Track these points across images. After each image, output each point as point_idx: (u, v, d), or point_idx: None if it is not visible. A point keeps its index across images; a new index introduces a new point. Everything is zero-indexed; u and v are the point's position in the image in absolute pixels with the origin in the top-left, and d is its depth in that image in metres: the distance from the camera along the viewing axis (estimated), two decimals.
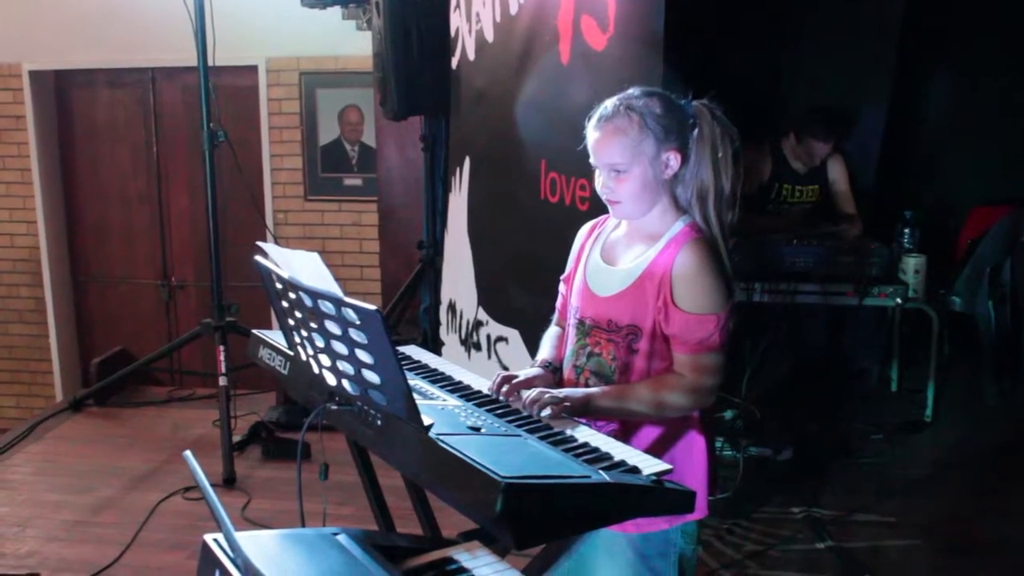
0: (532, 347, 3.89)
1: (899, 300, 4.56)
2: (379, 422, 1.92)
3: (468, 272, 4.64)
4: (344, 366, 1.92)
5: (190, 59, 4.77)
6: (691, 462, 2.25)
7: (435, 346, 5.28)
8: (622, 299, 2.22)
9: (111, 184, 7.40)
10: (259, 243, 2.11)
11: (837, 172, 5.10)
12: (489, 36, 4.26)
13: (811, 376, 5.11)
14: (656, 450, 2.20)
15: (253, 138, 6.90)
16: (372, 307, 1.73)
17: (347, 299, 1.78)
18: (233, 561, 1.55)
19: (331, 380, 2.01)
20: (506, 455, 1.78)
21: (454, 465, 1.70)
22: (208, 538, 1.65)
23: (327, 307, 1.85)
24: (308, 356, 2.08)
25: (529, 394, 2.12)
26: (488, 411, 2.10)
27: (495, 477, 1.60)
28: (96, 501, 4.33)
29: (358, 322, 1.78)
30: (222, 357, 4.74)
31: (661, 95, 2.22)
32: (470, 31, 4.49)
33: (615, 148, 2.17)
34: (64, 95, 7.37)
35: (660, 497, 1.82)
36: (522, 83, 3.94)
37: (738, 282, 2.26)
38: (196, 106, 4.80)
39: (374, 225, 6.78)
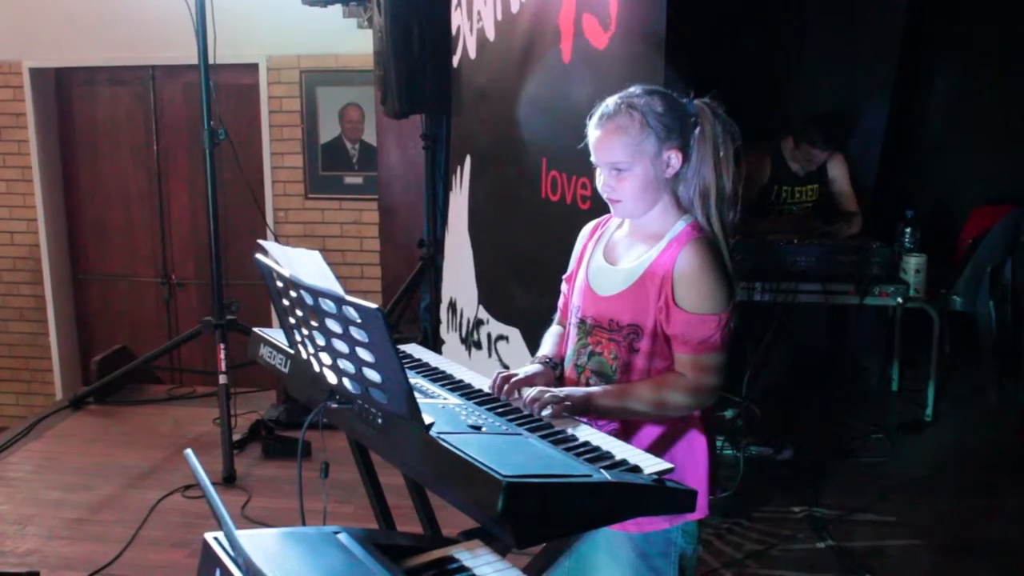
0: (533, 346, 3.89)
1: (900, 299, 4.55)
2: (380, 421, 1.92)
3: (469, 270, 4.63)
4: (345, 364, 1.92)
5: (191, 57, 4.77)
6: (692, 462, 2.24)
7: (436, 344, 5.28)
8: (623, 298, 2.21)
9: (111, 182, 7.42)
10: (260, 241, 2.11)
11: (837, 170, 5.09)
12: (490, 34, 4.26)
13: (812, 375, 5.11)
14: (657, 449, 2.20)
15: (254, 136, 6.91)
16: (373, 305, 1.73)
17: (348, 297, 1.78)
18: (234, 560, 1.55)
19: (332, 378, 2.01)
20: (507, 454, 1.77)
21: (455, 464, 1.70)
22: (209, 536, 1.64)
23: (328, 305, 1.84)
24: (309, 354, 2.08)
25: (530, 393, 2.12)
26: (489, 410, 2.09)
27: (496, 476, 1.60)
28: (96, 499, 4.33)
29: (359, 320, 1.78)
30: (222, 355, 4.73)
31: (663, 93, 2.21)
32: (471, 29, 4.49)
33: (616, 147, 2.16)
34: (64, 93, 7.39)
35: (661, 496, 1.81)
36: (523, 82, 3.93)
37: (739, 281, 2.25)
38: (197, 104, 4.79)
39: (375, 223, 6.79)
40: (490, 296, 4.43)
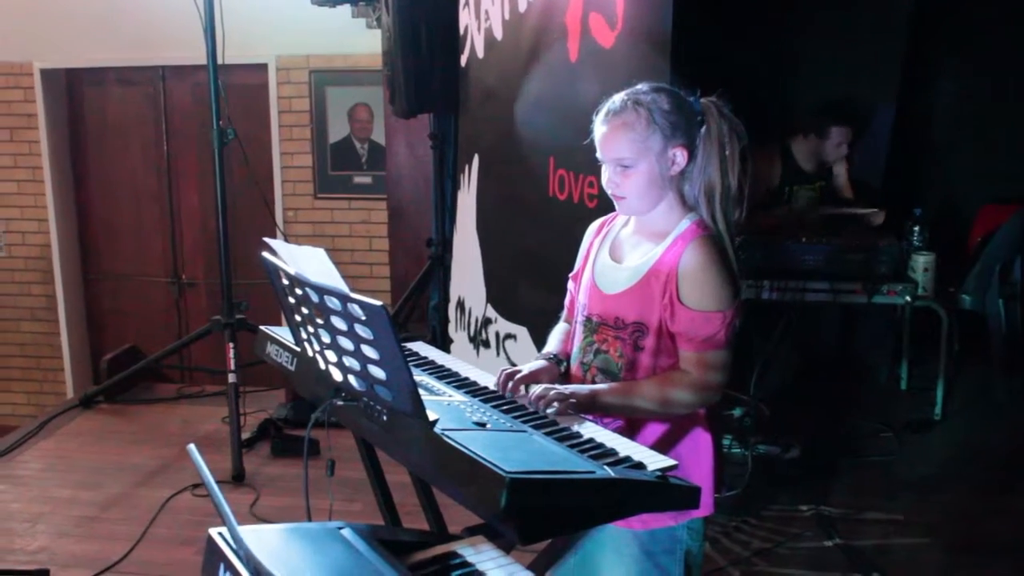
0: (541, 344, 3.85)
1: (908, 298, 4.54)
2: (385, 418, 1.93)
3: (477, 269, 4.64)
4: (350, 362, 1.93)
5: (200, 57, 4.78)
6: (697, 459, 2.25)
7: (444, 343, 5.28)
8: (628, 296, 2.22)
9: (122, 182, 7.42)
10: (265, 239, 2.12)
11: (841, 167, 5.14)
12: (498, 34, 4.26)
13: (820, 374, 5.10)
14: (662, 447, 2.21)
15: (263, 136, 6.91)
16: (378, 303, 1.73)
17: (353, 295, 1.78)
18: (237, 555, 1.56)
19: (337, 376, 2.01)
20: (511, 450, 1.78)
21: (459, 460, 1.71)
22: (213, 532, 1.65)
23: (333, 303, 1.85)
24: (314, 352, 2.09)
25: (535, 390, 2.12)
26: (494, 407, 2.10)
27: (500, 472, 1.60)
28: (106, 497, 4.35)
29: (364, 318, 1.78)
30: (231, 354, 4.75)
31: (669, 91, 2.22)
32: (479, 29, 4.49)
33: (622, 143, 2.17)
34: (75, 93, 7.39)
35: (665, 493, 1.82)
36: (530, 80, 3.94)
37: (746, 280, 2.26)
38: (206, 104, 4.81)
39: (383, 223, 6.78)
40: (498, 295, 4.44)
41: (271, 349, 2.49)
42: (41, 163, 7.24)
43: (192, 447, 1.63)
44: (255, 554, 1.50)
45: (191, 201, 7.32)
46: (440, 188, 5.82)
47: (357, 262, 6.91)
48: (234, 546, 1.57)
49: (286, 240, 6.16)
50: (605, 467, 1.77)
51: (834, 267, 4.54)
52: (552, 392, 2.10)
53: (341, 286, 1.86)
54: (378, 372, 1.85)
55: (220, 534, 1.65)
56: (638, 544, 2.28)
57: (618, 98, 2.21)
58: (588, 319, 2.33)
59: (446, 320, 5.36)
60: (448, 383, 2.27)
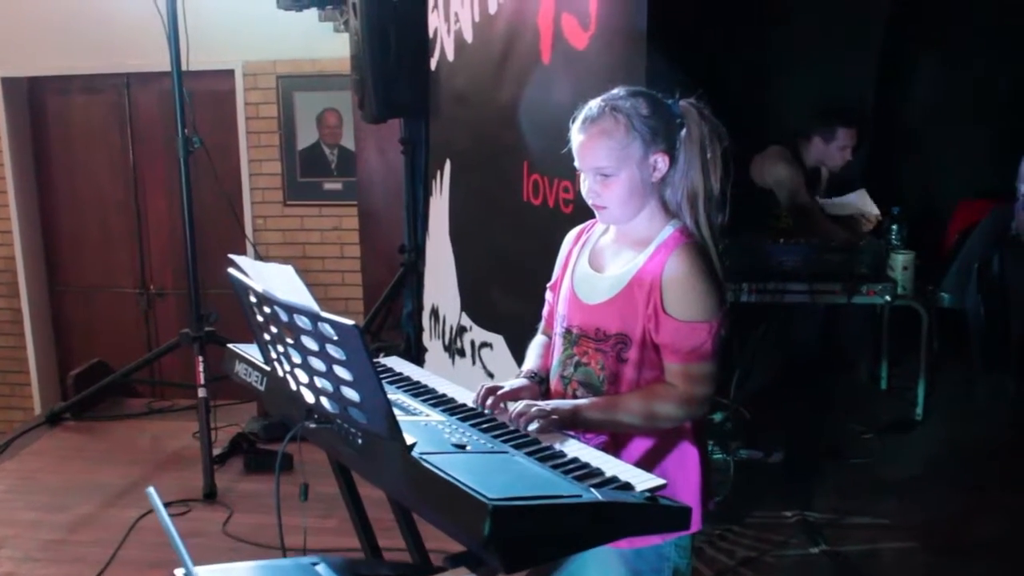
0: (517, 353, 3.84)
1: (888, 298, 4.50)
2: (360, 441, 1.85)
3: (451, 277, 4.56)
4: (322, 383, 1.85)
5: (165, 64, 4.68)
6: (684, 474, 2.17)
7: (418, 352, 5.21)
8: (610, 307, 2.14)
9: (87, 191, 7.31)
10: (231, 256, 2.03)
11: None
12: (468, 36, 4.18)
13: (800, 376, 5.05)
14: (648, 462, 2.13)
15: (231, 143, 6.83)
16: (350, 322, 1.66)
17: (324, 314, 1.71)
18: None
19: (309, 397, 1.93)
20: (493, 474, 1.70)
21: (439, 486, 1.63)
22: (179, 574, 1.57)
23: (303, 322, 1.77)
24: (285, 372, 2.00)
25: (515, 407, 2.05)
26: (473, 426, 2.02)
27: (482, 499, 1.53)
28: (73, 519, 4.23)
29: (336, 338, 1.71)
30: (201, 368, 4.64)
31: (647, 95, 2.15)
32: (448, 31, 4.41)
33: (601, 151, 2.09)
34: (38, 102, 7.28)
35: (655, 514, 1.75)
36: (502, 84, 3.86)
37: (727, 284, 2.19)
38: (172, 111, 4.71)
39: (355, 229, 6.71)
40: (473, 302, 4.36)
41: (239, 368, 2.40)
42: (4, 173, 7.12)
43: (151, 490, 1.53)
44: None
45: (159, 210, 7.22)
46: (412, 194, 5.75)
47: (329, 270, 6.83)
48: None
49: (256, 248, 6.12)
50: (592, 489, 1.70)
51: (813, 268, 4.49)
52: (533, 409, 2.02)
53: (311, 304, 1.79)
54: (351, 394, 1.77)
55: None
56: (624, 563, 2.20)
57: (595, 104, 2.14)
58: (568, 331, 2.25)
59: (420, 328, 5.28)
60: (425, 401, 2.19)
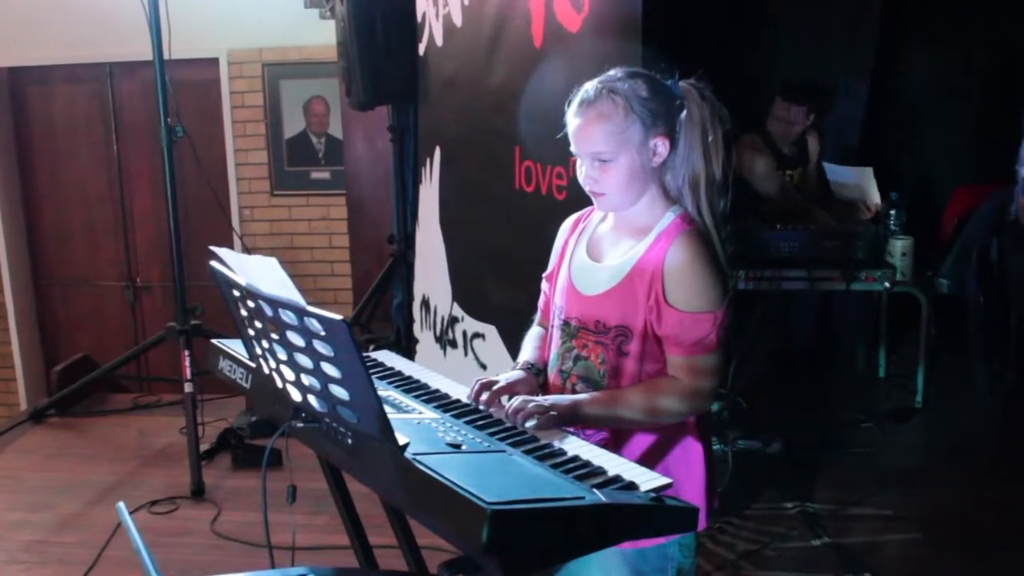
0: (510, 343, 3.76)
1: (887, 284, 4.43)
2: (350, 441, 1.76)
3: (441, 266, 4.48)
4: (309, 380, 1.76)
5: (149, 53, 4.58)
6: (688, 471, 2.09)
7: (409, 343, 5.13)
8: (610, 298, 2.05)
9: (71, 184, 7.21)
10: (213, 248, 1.94)
11: (814, 145, 5.04)
12: (457, 20, 4.09)
13: (797, 363, 4.98)
14: (650, 459, 2.05)
15: (216, 133, 6.74)
16: (338, 317, 1.57)
17: (310, 308, 1.62)
18: None
19: (296, 396, 1.84)
20: (491, 476, 1.62)
21: (434, 489, 1.54)
22: None
23: (289, 317, 1.68)
24: (270, 369, 1.91)
25: (512, 403, 1.96)
26: (468, 423, 1.93)
27: (480, 503, 1.44)
28: (58, 519, 4.12)
29: (323, 333, 1.62)
30: (187, 362, 4.55)
31: (646, 76, 2.05)
32: (437, 16, 4.32)
33: (599, 136, 2.00)
34: (19, 93, 7.16)
35: (661, 516, 1.66)
36: (493, 68, 3.78)
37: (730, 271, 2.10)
38: (156, 102, 4.61)
39: (343, 219, 6.63)
40: (464, 292, 4.28)
41: (224, 364, 2.31)
42: None
43: (121, 505, 1.44)
44: None
45: (144, 202, 7.12)
46: (401, 182, 5.66)
47: (317, 260, 6.74)
48: None
49: (242, 240, 6.01)
50: (594, 491, 1.61)
51: (810, 254, 4.43)
52: (531, 405, 1.94)
53: (296, 298, 1.69)
54: (340, 392, 1.68)
55: None
56: (627, 563, 2.12)
57: (592, 87, 2.04)
58: (566, 323, 2.16)
59: (411, 319, 5.19)
60: (417, 397, 2.10)
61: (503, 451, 1.78)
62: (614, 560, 2.11)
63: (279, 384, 1.89)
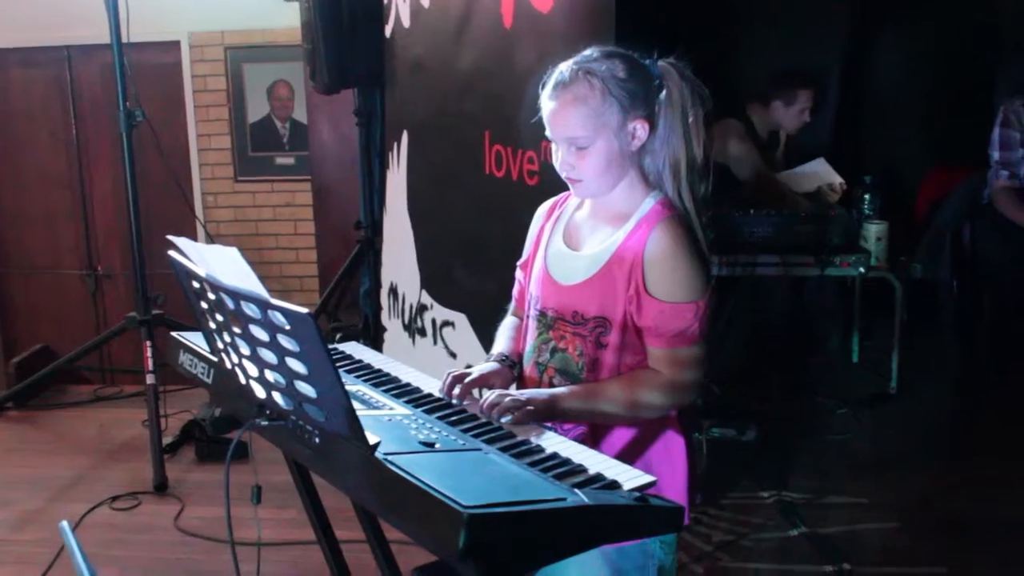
0: (480, 331, 3.68)
1: (862, 269, 4.38)
2: (317, 439, 1.67)
3: (410, 253, 4.39)
4: (274, 377, 1.67)
5: (107, 36, 4.47)
6: (670, 466, 2.02)
7: (376, 332, 5.05)
8: (588, 288, 1.97)
9: (29, 169, 7.06)
10: (171, 237, 1.84)
11: (783, 134, 5.00)
12: (425, 1, 4.00)
13: (770, 349, 4.93)
14: (630, 454, 1.98)
15: (178, 118, 6.64)
16: (303, 310, 1.48)
17: (274, 301, 1.53)
18: None
19: (260, 392, 1.75)
20: (467, 477, 1.54)
21: (407, 492, 1.46)
22: None
23: (251, 309, 1.59)
24: (233, 364, 1.82)
25: (487, 397, 1.88)
26: (440, 419, 1.85)
27: (456, 507, 1.36)
28: (16, 516, 4.00)
29: (288, 327, 1.53)
30: (149, 353, 4.44)
31: (624, 56, 1.97)
32: None
33: (575, 120, 1.91)
34: None
35: (645, 517, 1.59)
36: (462, 50, 3.70)
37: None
38: (115, 85, 4.49)
39: (308, 205, 6.54)
40: (433, 280, 4.20)
41: (185, 359, 2.21)
42: None
43: (64, 524, 1.35)
44: None
45: (104, 187, 6.99)
46: (368, 168, 5.56)
47: (283, 247, 6.65)
48: None
49: (205, 227, 5.90)
50: (576, 491, 1.53)
51: (784, 239, 4.36)
52: (507, 399, 1.86)
53: (259, 290, 1.60)
54: (307, 389, 1.59)
55: None
56: (607, 562, 2.04)
57: (566, 68, 1.95)
58: (542, 313, 2.08)
59: (378, 307, 5.10)
60: (387, 392, 2.01)
61: (479, 449, 1.70)
62: (594, 558, 2.03)
63: (242, 380, 1.80)
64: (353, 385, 2.02)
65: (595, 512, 1.51)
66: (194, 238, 1.86)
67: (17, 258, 7.19)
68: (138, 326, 4.57)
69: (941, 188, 5.12)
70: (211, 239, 5.53)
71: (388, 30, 4.55)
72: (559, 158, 1.98)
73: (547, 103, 1.96)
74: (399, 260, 4.58)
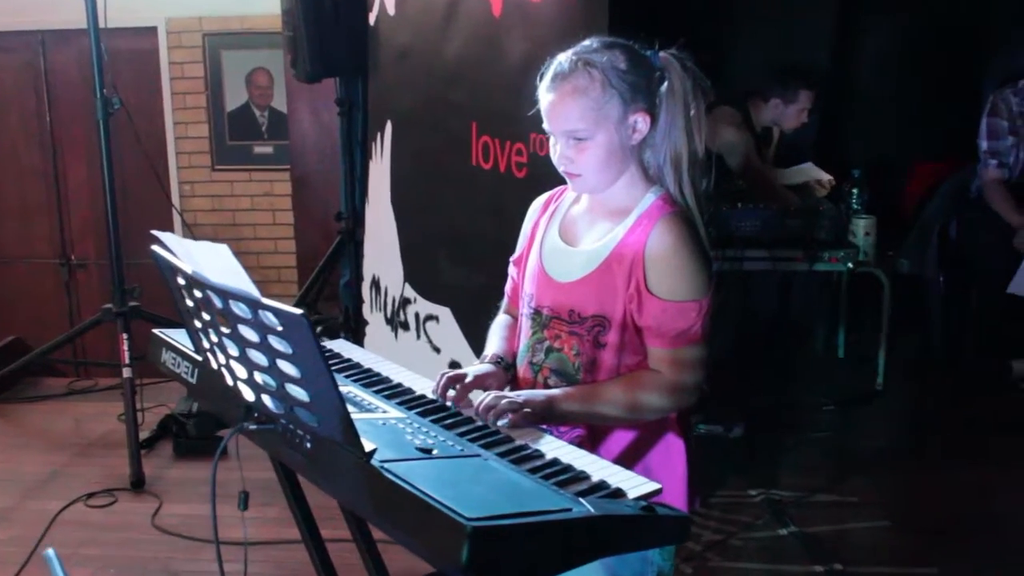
0: (465, 326, 3.62)
1: (850, 264, 4.34)
2: (309, 445, 1.60)
3: (393, 245, 4.32)
4: (263, 379, 1.60)
5: (83, 21, 4.38)
6: (670, 470, 1.97)
7: (358, 325, 4.97)
8: (586, 285, 1.91)
9: (1, 157, 6.96)
10: (155, 232, 1.76)
11: (776, 131, 4.95)
12: None
13: (756, 345, 4.89)
14: (630, 457, 1.93)
15: (155, 105, 6.56)
16: (297, 311, 1.41)
17: (265, 300, 1.46)
18: None
19: (248, 395, 1.68)
20: (468, 486, 1.48)
21: (406, 502, 1.40)
22: None
23: (241, 309, 1.52)
24: (220, 365, 1.74)
25: (483, 399, 1.82)
26: (436, 422, 1.79)
27: (459, 519, 1.31)
28: None
29: (280, 328, 1.46)
30: (125, 346, 4.35)
31: (624, 46, 1.91)
32: None
33: (574, 112, 1.85)
34: None
35: (652, 527, 1.53)
36: (449, 39, 3.63)
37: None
38: (91, 72, 4.39)
39: (287, 195, 6.47)
40: (417, 273, 4.13)
41: (167, 357, 2.13)
42: None
43: (51, 553, 1.28)
44: None
45: (79, 176, 6.90)
46: (349, 158, 5.47)
47: (261, 237, 6.58)
48: None
49: (183, 216, 5.80)
50: (580, 500, 1.48)
51: (772, 234, 4.31)
52: (503, 401, 1.80)
53: (250, 289, 1.53)
54: (299, 392, 1.53)
55: None
56: (605, 568, 1.97)
57: (565, 59, 1.89)
58: (537, 312, 2.02)
59: (360, 300, 5.02)
60: (378, 393, 1.94)
61: (477, 455, 1.64)
62: (592, 565, 1.98)
63: (229, 381, 1.73)
64: (343, 386, 1.95)
65: (601, 523, 1.45)
66: (171, 228, 1.79)
67: None
68: (114, 318, 4.48)
69: (926, 182, 5.10)
70: (188, 228, 5.45)
71: (372, 17, 4.47)
72: (557, 152, 1.91)
73: (545, 95, 1.90)
74: (382, 252, 4.50)
